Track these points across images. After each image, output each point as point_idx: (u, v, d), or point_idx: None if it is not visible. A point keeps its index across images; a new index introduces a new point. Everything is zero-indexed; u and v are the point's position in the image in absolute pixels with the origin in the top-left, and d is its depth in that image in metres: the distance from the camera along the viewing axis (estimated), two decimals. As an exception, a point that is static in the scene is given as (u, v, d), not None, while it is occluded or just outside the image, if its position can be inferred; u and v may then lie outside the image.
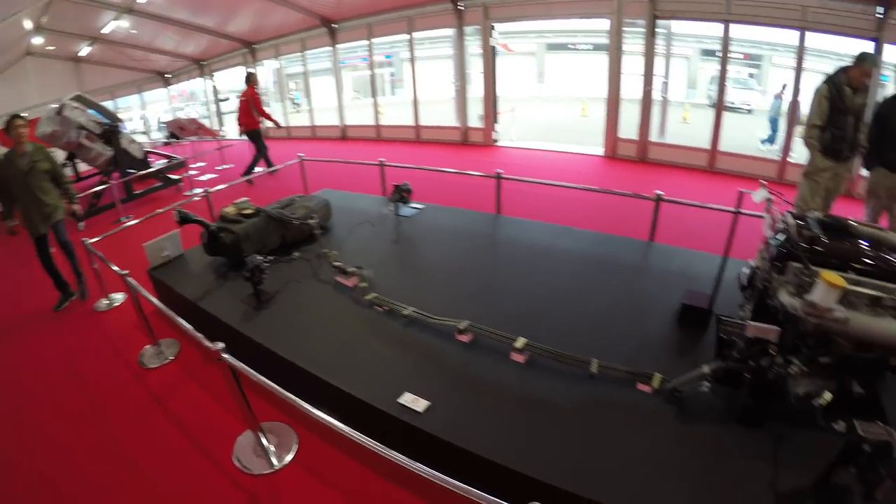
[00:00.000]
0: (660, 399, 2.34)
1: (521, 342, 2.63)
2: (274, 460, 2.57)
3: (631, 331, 2.85)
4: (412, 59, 11.10)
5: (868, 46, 6.20)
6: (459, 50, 10.38)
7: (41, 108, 9.18)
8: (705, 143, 7.98)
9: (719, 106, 7.75)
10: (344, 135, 13.01)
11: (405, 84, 11.29)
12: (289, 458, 2.59)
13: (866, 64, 4.13)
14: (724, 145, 7.92)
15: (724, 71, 7.69)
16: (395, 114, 13.01)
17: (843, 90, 4.23)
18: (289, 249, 4.22)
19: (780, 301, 2.11)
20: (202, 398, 3.13)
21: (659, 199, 4.19)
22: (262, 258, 3.43)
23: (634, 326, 2.89)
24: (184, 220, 4.03)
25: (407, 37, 10.99)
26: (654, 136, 8.73)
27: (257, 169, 8.45)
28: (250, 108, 8.59)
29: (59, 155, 8.55)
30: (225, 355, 2.35)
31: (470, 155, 9.65)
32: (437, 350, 2.72)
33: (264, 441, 2.62)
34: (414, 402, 2.35)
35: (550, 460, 2.04)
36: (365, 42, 11.70)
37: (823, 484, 1.91)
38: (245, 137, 8.99)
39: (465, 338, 2.75)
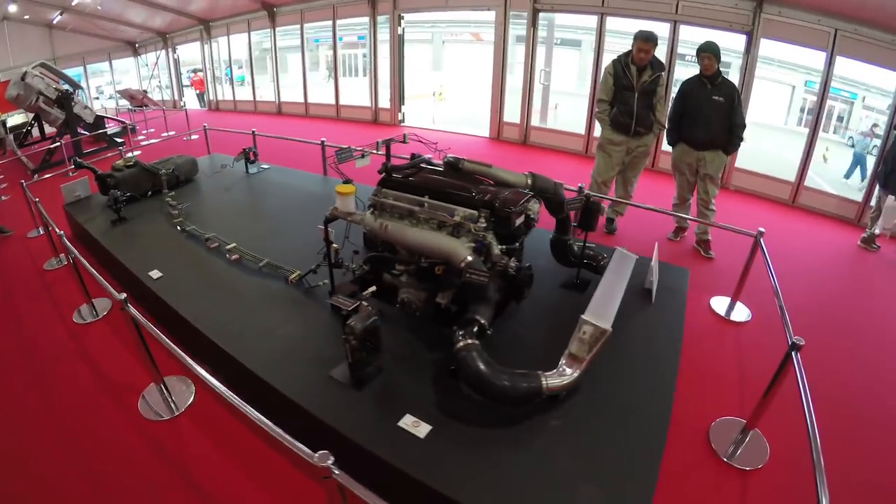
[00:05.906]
0: (297, 288, 3.20)
1: (231, 245, 3.65)
2: (168, 412, 2.67)
3: (302, 242, 3.68)
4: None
5: (741, 40, 6.49)
6: (372, 37, 10.72)
7: (13, 72, 9.36)
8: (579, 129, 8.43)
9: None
10: (279, 110, 13.36)
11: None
12: (182, 410, 2.68)
13: (638, 40, 4.26)
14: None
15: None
16: (352, 94, 12.32)
17: (629, 68, 4.35)
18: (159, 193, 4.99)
19: None
20: (117, 349, 3.23)
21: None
22: (119, 193, 4.36)
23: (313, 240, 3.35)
24: (78, 166, 4.99)
25: (333, 23, 11.44)
26: (535, 122, 9.09)
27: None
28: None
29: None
30: (128, 307, 2.40)
31: (374, 132, 10.08)
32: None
33: (164, 393, 2.72)
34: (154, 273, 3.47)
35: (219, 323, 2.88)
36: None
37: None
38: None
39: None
